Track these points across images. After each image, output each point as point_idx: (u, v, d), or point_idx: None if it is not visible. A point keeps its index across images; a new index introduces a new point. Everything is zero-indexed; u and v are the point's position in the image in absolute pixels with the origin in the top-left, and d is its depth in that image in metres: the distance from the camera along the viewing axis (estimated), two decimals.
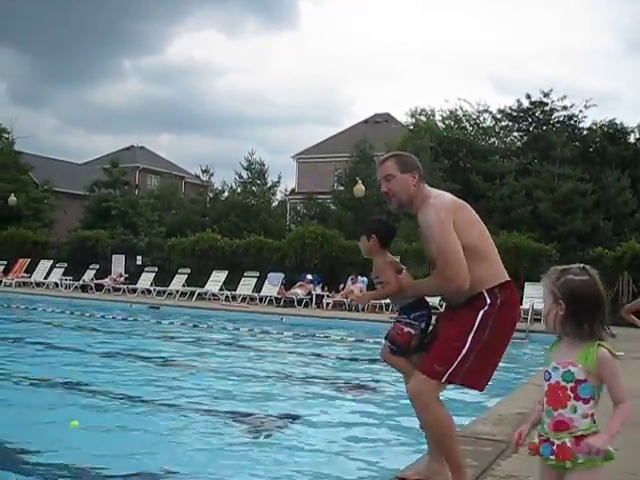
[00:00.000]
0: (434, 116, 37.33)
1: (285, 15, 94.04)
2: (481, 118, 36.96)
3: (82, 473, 5.97)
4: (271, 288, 24.97)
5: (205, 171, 42.76)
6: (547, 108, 35.44)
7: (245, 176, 39.40)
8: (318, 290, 24.61)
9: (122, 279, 28.41)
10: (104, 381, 10.15)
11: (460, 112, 36.66)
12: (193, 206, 40.39)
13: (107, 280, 28.40)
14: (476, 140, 35.99)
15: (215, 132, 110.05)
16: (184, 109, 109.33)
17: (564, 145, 32.65)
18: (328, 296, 24.24)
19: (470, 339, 4.13)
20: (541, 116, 35.74)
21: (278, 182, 41.65)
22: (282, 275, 25.22)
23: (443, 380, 4.17)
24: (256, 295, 24.96)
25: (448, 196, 4.42)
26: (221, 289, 25.51)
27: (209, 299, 25.32)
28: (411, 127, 37.00)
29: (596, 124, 34.75)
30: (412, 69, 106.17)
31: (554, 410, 3.06)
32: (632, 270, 22.63)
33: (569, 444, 2.99)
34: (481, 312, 4.16)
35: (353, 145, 36.81)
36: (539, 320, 19.37)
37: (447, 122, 36.80)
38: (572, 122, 35.48)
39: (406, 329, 4.49)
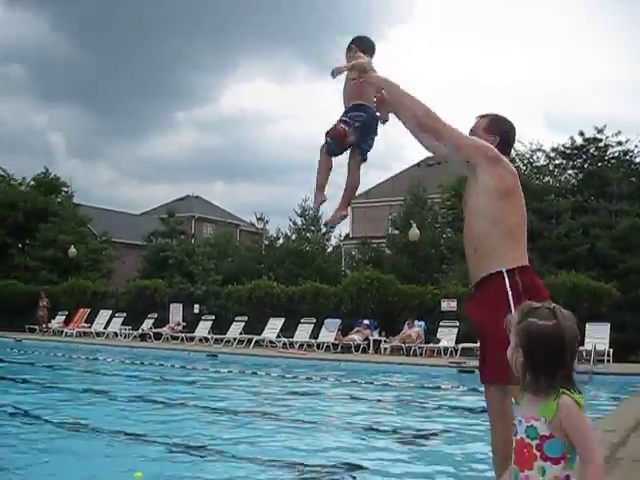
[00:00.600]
0: None
1: (333, 61, 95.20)
2: (534, 157, 36.68)
3: None
4: (328, 334, 24.92)
5: (260, 219, 43.21)
6: (601, 144, 34.94)
7: (299, 222, 39.67)
8: (375, 335, 24.47)
9: (180, 327, 28.68)
10: (165, 430, 10.20)
11: (513, 152, 36.41)
12: (249, 253, 40.73)
13: (165, 329, 28.68)
14: (530, 179, 35.68)
15: (268, 179, 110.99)
16: (237, 157, 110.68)
17: (620, 181, 32.11)
18: (385, 341, 24.10)
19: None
20: (596, 152, 35.24)
21: (332, 228, 41.81)
22: (339, 321, 25.17)
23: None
24: (313, 341, 24.93)
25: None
26: (278, 336, 25.56)
27: (266, 346, 25.37)
28: None
29: None
30: (463, 109, 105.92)
31: (520, 471, 2.62)
32: None
33: None
34: (511, 301, 4.05)
35: (406, 189, 36.84)
36: (602, 361, 19.05)
37: None
38: (628, 157, 34.93)
39: (341, 125, 4.74)
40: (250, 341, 25.66)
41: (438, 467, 8.36)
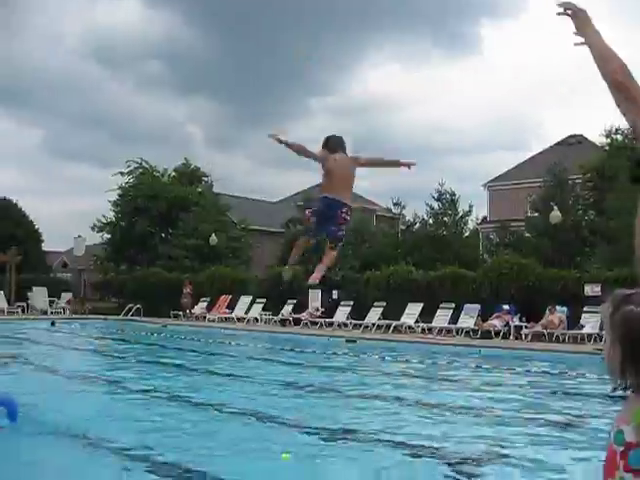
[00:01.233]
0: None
1: (466, 42, 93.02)
2: None
3: None
4: (467, 320, 24.63)
5: (396, 204, 42.94)
6: None
7: (436, 207, 39.22)
8: (516, 321, 23.97)
9: (319, 313, 29.00)
10: (307, 414, 10.35)
11: None
12: (385, 239, 40.65)
13: (304, 314, 29.09)
14: None
15: None
16: (370, 142, 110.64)
17: None
18: (526, 327, 23.55)
19: None
20: None
21: (469, 211, 41.14)
22: (478, 306, 24.79)
23: None
24: (452, 327, 24.68)
25: None
26: (417, 321, 25.48)
27: (405, 332, 25.34)
28: (606, 148, 35.47)
29: None
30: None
31: None
32: None
33: None
34: None
35: (545, 169, 35.77)
36: None
37: None
38: None
39: (307, 211, 5.51)
40: (389, 326, 25.69)
41: (584, 453, 8.18)
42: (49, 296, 36.43)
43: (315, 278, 5.98)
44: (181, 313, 32.93)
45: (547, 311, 23.32)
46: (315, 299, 29.82)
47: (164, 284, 35.86)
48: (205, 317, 31.68)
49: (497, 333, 23.50)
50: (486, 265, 28.11)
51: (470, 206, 41.08)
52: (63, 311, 35.30)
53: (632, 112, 3.73)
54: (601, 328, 21.30)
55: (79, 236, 46.68)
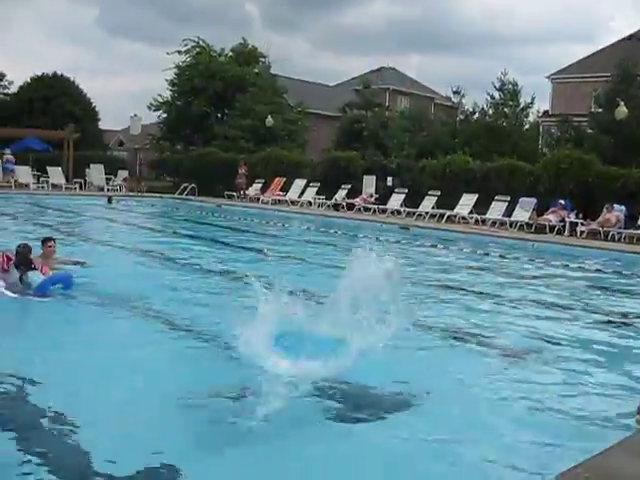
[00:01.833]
0: None
1: None
2: None
3: None
4: (522, 213, 24.31)
5: (456, 92, 42.03)
6: None
7: (497, 97, 38.31)
8: (572, 217, 23.60)
9: (372, 199, 28.91)
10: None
11: None
12: (443, 128, 40.04)
13: (358, 200, 29.02)
14: None
15: (464, 52, 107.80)
16: (433, 29, 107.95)
17: None
18: (582, 224, 23.17)
19: None
20: None
21: (531, 103, 40.13)
22: (534, 200, 24.40)
23: None
24: (506, 220, 24.42)
25: None
26: (471, 212, 25.27)
27: (458, 222, 25.19)
28: None
29: None
30: None
31: None
32: None
33: None
34: None
35: (614, 64, 34.49)
36: None
37: None
38: None
39: None
40: (442, 216, 25.57)
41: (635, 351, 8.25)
42: (106, 174, 36.86)
43: None
44: (235, 194, 33.12)
45: (604, 209, 22.88)
46: (369, 185, 29.69)
47: (219, 164, 35.94)
48: (259, 199, 31.81)
49: (552, 228, 23.21)
50: (545, 158, 27.50)
51: (532, 98, 40.08)
52: (119, 188, 35.75)
53: None
54: None
55: (135, 115, 46.82)
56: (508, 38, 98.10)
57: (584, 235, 22.56)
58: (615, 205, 22.67)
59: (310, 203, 30.35)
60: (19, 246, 10.01)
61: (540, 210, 24.23)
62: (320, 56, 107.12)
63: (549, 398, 6.34)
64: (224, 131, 41.05)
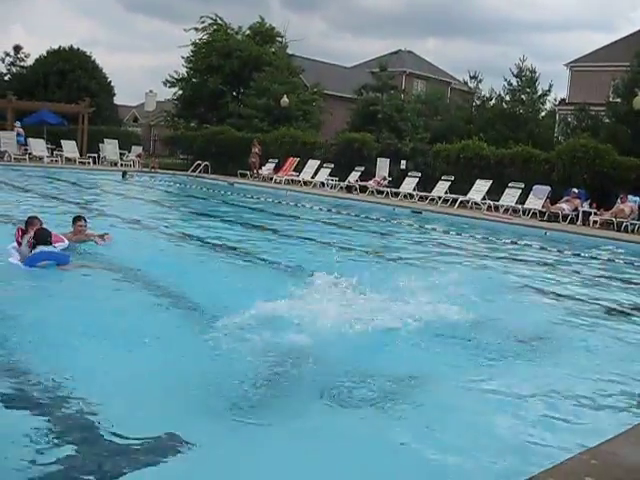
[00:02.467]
0: None
1: None
2: None
3: None
4: (536, 201, 24.20)
5: (473, 77, 41.75)
6: None
7: (515, 83, 38.05)
8: (585, 206, 23.48)
9: (386, 182, 28.84)
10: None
11: None
12: (459, 113, 39.84)
13: (371, 182, 28.97)
14: None
15: (482, 37, 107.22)
16: (452, 13, 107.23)
17: None
18: (596, 213, 23.06)
19: None
20: None
21: (549, 91, 39.79)
22: (548, 188, 24.30)
23: None
24: (519, 207, 24.32)
25: None
26: (484, 198, 25.18)
27: (471, 207, 25.12)
28: None
29: None
30: None
31: None
32: None
33: None
34: None
35: (633, 54, 34.18)
36: None
37: None
38: None
39: None
40: (455, 201, 25.50)
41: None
42: (120, 149, 36.92)
43: None
44: (248, 173, 33.11)
45: (618, 200, 22.77)
46: (383, 168, 29.62)
47: (233, 142, 35.89)
48: (272, 178, 31.78)
49: (565, 217, 23.12)
50: (560, 147, 27.32)
51: (550, 85, 39.77)
52: (133, 164, 35.78)
53: None
54: None
55: (150, 91, 46.94)
56: (527, 25, 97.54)
57: (597, 225, 22.48)
58: (629, 196, 22.56)
59: (323, 184, 30.30)
60: (30, 219, 10.15)
61: (554, 198, 24.12)
62: (338, 37, 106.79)
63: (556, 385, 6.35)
64: (238, 110, 41.00)
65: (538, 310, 9.54)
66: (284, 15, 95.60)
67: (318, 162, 31.63)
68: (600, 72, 43.15)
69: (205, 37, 45.55)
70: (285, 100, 37.56)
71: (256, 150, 33.31)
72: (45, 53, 50.97)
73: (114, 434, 4.73)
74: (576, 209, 23.28)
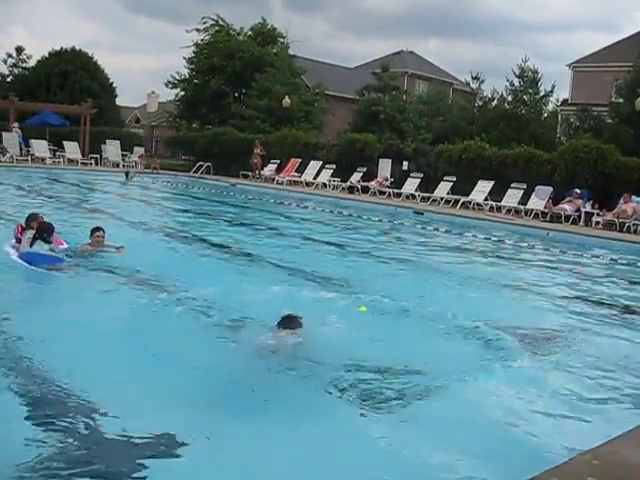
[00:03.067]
0: None
1: None
2: None
3: None
4: (538, 201, 24.13)
5: (475, 78, 41.65)
6: None
7: (517, 84, 37.98)
8: (588, 207, 23.41)
9: (387, 183, 28.78)
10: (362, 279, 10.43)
11: None
12: (461, 113, 39.77)
13: (373, 183, 28.92)
14: None
15: (484, 38, 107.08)
16: (454, 14, 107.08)
17: None
18: (598, 214, 22.99)
19: None
20: None
21: (551, 92, 39.70)
22: (550, 189, 24.22)
23: None
24: (522, 207, 24.25)
25: None
26: (486, 199, 25.12)
27: (473, 208, 25.06)
28: None
29: None
30: None
31: None
32: None
33: None
34: None
35: (636, 54, 34.10)
36: None
37: None
38: None
39: None
40: (457, 201, 25.45)
41: None
42: (122, 150, 36.91)
43: None
44: (250, 173, 33.09)
45: (621, 200, 22.70)
46: (385, 169, 29.57)
47: (235, 143, 35.85)
48: (274, 179, 31.75)
49: (567, 218, 23.06)
50: (563, 147, 27.25)
51: (552, 86, 39.71)
52: (135, 165, 35.76)
53: None
54: None
55: (152, 92, 46.94)
56: (530, 25, 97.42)
57: (599, 226, 22.41)
58: (633, 196, 22.47)
59: (325, 185, 30.26)
60: (31, 216, 10.17)
61: (556, 199, 24.04)
62: (340, 38, 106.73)
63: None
64: (240, 111, 40.98)
65: (539, 310, 9.52)
66: (286, 16, 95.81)
67: (320, 163, 31.57)
68: (602, 72, 43.10)
69: (207, 38, 45.55)
70: (287, 101, 37.52)
71: (258, 151, 33.26)
72: (47, 54, 50.90)
73: (114, 431, 4.71)
74: (578, 210, 23.21)
